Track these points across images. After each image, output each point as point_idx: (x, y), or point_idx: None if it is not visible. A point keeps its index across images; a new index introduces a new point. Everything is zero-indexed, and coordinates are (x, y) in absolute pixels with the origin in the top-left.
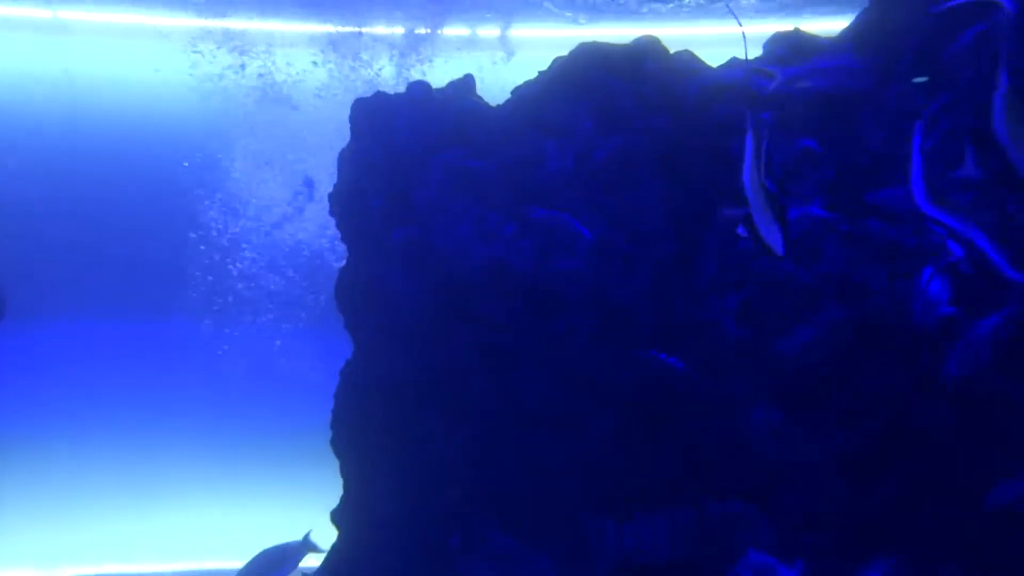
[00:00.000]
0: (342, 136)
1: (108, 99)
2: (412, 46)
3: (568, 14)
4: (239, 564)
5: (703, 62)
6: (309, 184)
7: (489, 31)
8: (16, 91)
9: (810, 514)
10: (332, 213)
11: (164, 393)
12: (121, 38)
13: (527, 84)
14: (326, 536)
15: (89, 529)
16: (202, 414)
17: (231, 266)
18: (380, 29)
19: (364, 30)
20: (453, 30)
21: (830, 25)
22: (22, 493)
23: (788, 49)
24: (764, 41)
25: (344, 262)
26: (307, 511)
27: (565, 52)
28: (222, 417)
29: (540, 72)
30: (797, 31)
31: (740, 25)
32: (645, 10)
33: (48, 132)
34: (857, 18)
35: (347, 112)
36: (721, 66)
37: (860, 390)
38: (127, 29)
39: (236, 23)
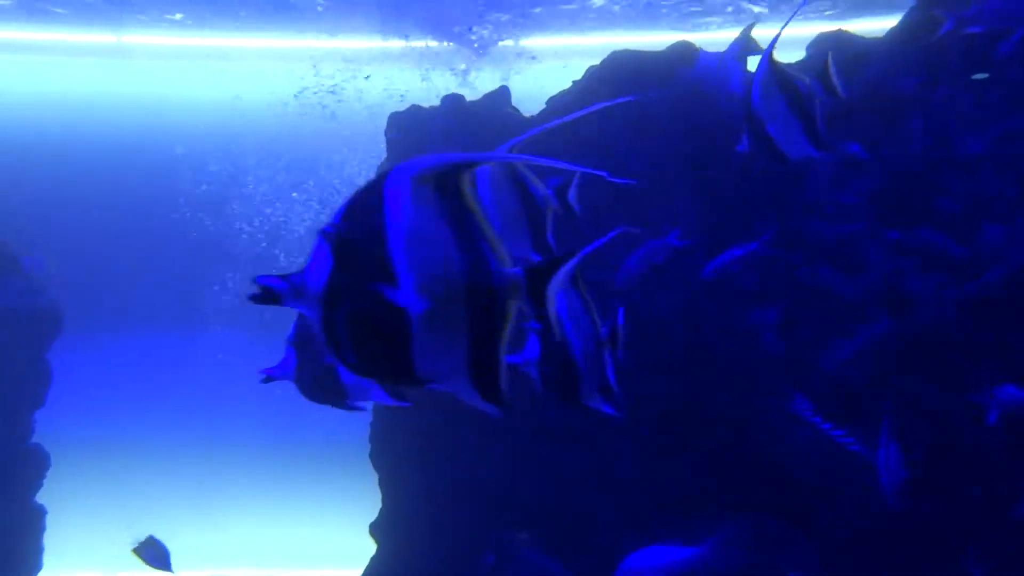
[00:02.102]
0: None
1: (173, 120)
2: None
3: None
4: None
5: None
6: None
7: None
8: (83, 113)
9: (853, 535)
10: None
11: (225, 405)
12: (183, 60)
13: (561, 94)
14: (365, 549)
15: (147, 529)
16: (261, 427)
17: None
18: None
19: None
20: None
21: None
22: (84, 500)
23: (831, 50)
24: (807, 43)
25: None
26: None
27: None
28: (280, 429)
29: (574, 81)
30: (841, 32)
31: None
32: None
33: (112, 152)
34: (904, 18)
35: None
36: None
37: (906, 406)
38: (187, 51)
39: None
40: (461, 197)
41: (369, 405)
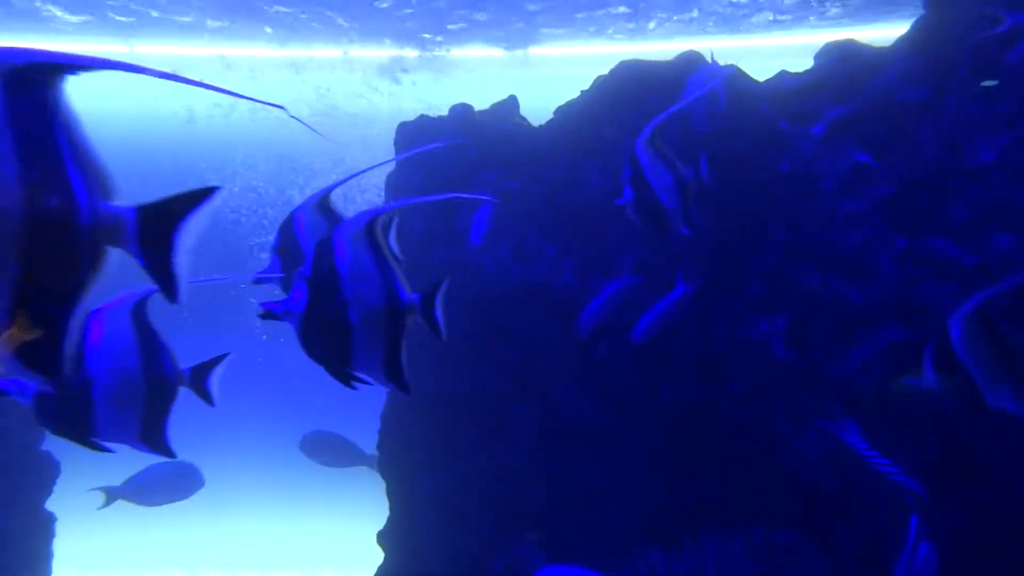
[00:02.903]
0: None
1: (183, 129)
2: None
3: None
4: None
5: (748, 75)
6: None
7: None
8: (98, 123)
9: (868, 545)
10: None
11: (231, 403)
12: (193, 70)
13: (569, 103)
14: (373, 558)
15: (154, 534)
16: (268, 423)
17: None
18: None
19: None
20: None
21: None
22: (88, 497)
23: (840, 60)
24: (815, 52)
25: None
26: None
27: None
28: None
29: (583, 91)
30: (850, 41)
31: None
32: (695, 13)
33: (124, 161)
34: (913, 25)
35: None
36: (769, 79)
37: (918, 416)
38: (198, 61)
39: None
40: (47, 106)
41: (122, 448)
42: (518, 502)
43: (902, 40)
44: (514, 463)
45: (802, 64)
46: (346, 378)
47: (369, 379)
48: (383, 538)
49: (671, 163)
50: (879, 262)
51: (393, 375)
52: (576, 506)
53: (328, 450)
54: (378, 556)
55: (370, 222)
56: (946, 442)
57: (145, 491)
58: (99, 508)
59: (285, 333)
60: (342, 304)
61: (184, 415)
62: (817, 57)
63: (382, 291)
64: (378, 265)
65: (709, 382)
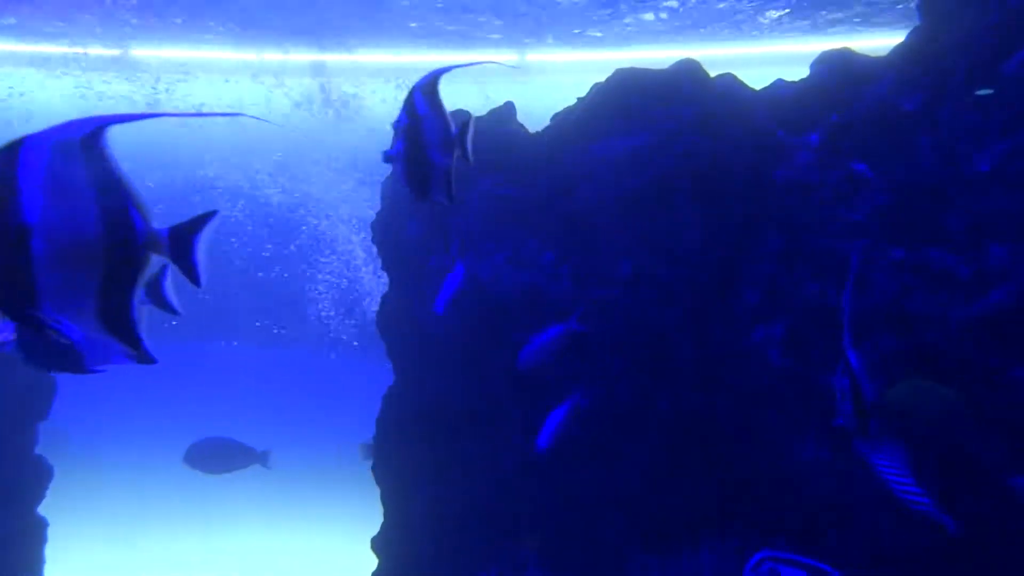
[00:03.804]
0: None
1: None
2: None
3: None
4: None
5: (744, 84)
6: None
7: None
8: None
9: (865, 554)
10: (374, 241)
11: (228, 414)
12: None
13: (566, 110)
14: (367, 564)
15: (148, 546)
16: (265, 436)
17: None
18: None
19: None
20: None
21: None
22: (84, 509)
23: (836, 69)
24: (811, 61)
25: (387, 290)
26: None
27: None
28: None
29: (579, 98)
30: (846, 50)
31: None
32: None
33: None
34: (908, 36)
35: None
36: (766, 87)
37: (913, 425)
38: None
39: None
40: None
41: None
42: (515, 508)
43: (898, 49)
44: (511, 469)
45: (798, 72)
46: (33, 324)
47: (76, 328)
48: (377, 543)
49: (446, 122)
50: (874, 272)
51: (117, 328)
52: (573, 513)
53: (217, 457)
54: (371, 567)
55: (94, 132)
56: (944, 451)
57: None
58: (360, 462)
59: (277, 340)
60: (20, 226)
61: (186, 422)
62: (813, 65)
63: (100, 217)
64: (100, 185)
65: (706, 390)
